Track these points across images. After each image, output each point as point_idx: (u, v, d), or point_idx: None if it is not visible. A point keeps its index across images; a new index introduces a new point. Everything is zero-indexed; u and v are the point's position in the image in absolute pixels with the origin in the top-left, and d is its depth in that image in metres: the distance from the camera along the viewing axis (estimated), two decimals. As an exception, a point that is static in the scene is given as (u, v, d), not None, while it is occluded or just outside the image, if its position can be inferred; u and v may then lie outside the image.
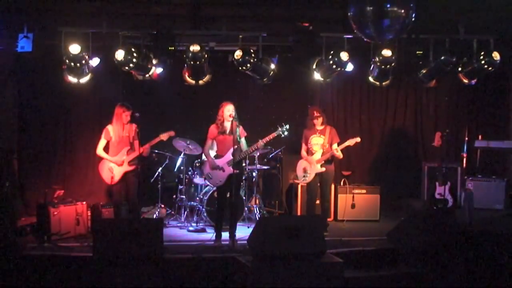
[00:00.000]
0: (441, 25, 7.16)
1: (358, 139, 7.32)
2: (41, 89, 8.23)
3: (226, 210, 6.66)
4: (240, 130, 6.63)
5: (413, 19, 4.94)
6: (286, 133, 6.72)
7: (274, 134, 6.65)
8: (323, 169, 7.23)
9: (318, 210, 7.44)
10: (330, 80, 7.77)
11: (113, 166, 6.80)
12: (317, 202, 7.45)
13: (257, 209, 7.97)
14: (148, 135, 7.06)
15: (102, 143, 6.88)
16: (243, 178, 7.51)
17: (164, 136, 7.10)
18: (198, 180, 7.92)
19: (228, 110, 6.60)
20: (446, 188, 7.99)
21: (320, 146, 7.28)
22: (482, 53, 7.18)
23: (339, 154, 7.26)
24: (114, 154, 6.85)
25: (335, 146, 7.24)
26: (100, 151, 6.88)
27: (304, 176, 7.33)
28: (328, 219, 7.71)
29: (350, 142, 7.29)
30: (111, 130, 6.85)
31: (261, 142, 6.61)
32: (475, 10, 6.82)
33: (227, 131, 6.65)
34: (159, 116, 8.28)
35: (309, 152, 7.36)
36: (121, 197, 6.93)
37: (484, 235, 6.24)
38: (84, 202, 7.17)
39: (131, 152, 6.86)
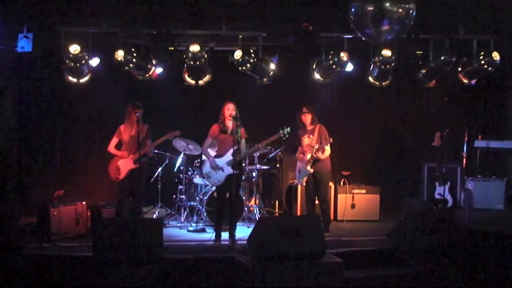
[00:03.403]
0: (441, 25, 7.15)
1: (330, 140, 7.01)
2: (41, 89, 8.23)
3: (226, 210, 6.65)
4: (241, 131, 6.63)
5: (413, 19, 4.94)
6: (287, 135, 6.71)
7: (275, 137, 6.64)
8: (311, 170, 7.09)
9: (319, 210, 7.42)
10: (330, 80, 7.78)
11: (120, 164, 6.80)
12: (317, 202, 7.42)
13: (257, 209, 7.97)
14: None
15: (113, 141, 6.91)
16: (243, 178, 7.50)
17: (169, 136, 7.09)
18: (198, 180, 7.92)
19: (228, 108, 6.58)
20: (446, 188, 7.99)
21: (309, 147, 7.19)
22: (482, 53, 7.20)
23: (320, 155, 7.05)
24: (125, 154, 6.88)
25: (316, 146, 7.05)
26: (111, 148, 6.92)
27: (299, 179, 7.30)
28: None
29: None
30: (123, 130, 6.88)
31: (261, 145, 6.62)
32: (475, 10, 6.82)
33: (228, 131, 6.63)
34: (159, 116, 8.26)
35: (304, 154, 7.24)
36: (126, 195, 6.90)
37: (484, 235, 6.25)
38: (84, 202, 7.16)
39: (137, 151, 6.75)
